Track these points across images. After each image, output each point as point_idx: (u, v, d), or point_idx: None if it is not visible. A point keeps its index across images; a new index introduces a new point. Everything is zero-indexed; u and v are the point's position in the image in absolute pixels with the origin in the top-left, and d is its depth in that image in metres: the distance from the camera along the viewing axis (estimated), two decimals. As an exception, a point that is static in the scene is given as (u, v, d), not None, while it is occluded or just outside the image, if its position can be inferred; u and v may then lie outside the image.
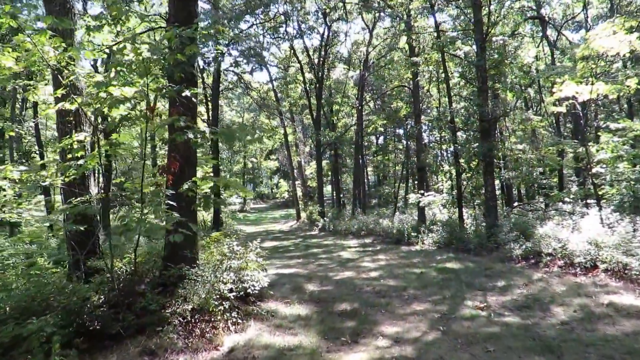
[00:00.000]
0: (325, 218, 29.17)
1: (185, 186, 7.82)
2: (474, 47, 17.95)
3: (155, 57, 6.74)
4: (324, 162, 42.07)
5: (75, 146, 7.65)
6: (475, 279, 11.03)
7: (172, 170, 8.08)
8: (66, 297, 7.17)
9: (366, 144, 39.48)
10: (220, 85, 29.95)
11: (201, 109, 29.89)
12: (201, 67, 27.75)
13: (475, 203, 21.49)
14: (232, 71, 31.40)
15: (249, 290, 8.61)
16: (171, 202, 7.50)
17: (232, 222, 31.25)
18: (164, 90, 6.96)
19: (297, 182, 40.43)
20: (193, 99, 8.15)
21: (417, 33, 22.47)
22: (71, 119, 8.61)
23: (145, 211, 7.31)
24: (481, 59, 16.32)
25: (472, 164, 19.68)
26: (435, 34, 20.53)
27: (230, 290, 8.11)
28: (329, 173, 41.28)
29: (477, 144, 17.59)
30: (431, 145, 30.84)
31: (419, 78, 23.28)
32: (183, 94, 7.17)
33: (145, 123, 6.94)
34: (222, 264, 8.90)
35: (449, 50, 19.84)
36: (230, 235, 16.68)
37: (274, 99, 36.22)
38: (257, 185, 67.13)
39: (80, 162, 7.53)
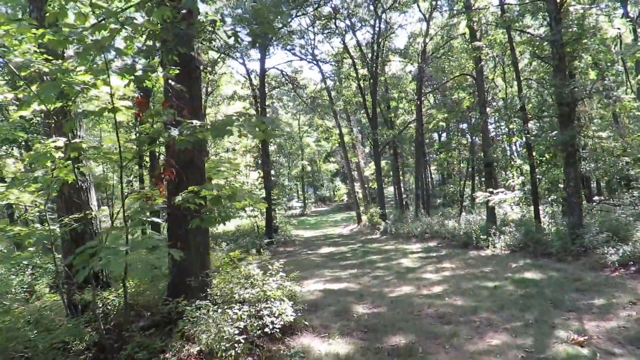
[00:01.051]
0: (387, 221, 27.28)
1: (179, 198, 6.14)
2: (547, 21, 15.65)
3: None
4: (383, 162, 40.12)
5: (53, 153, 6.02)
6: (564, 295, 8.89)
7: (167, 179, 6.42)
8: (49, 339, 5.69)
9: (427, 141, 37.20)
10: (267, 86, 28.48)
11: (252, 112, 28.65)
12: (246, 71, 26.56)
13: (551, 199, 19.06)
14: (276, 68, 29.92)
15: (266, 330, 6.65)
16: (157, 219, 5.91)
17: (288, 228, 29.71)
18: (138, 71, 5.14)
19: (356, 184, 38.62)
20: (190, 90, 6.50)
21: (478, 9, 20.18)
22: (51, 121, 7.06)
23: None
24: (556, 32, 14.05)
25: (547, 155, 17.34)
26: (499, 11, 18.25)
27: (242, 332, 6.27)
28: (390, 173, 39.25)
29: (554, 132, 15.29)
30: (499, 138, 28.26)
31: (482, 62, 20.98)
32: (174, 83, 5.52)
33: (114, 115, 5.21)
34: (232, 295, 7.17)
35: (516, 28, 17.56)
36: (261, 253, 15.31)
37: (328, 99, 34.52)
38: (317, 188, 65.66)
39: (39, 172, 5.90)
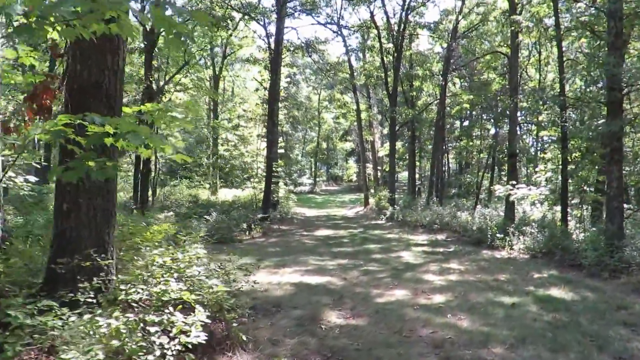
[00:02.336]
0: (395, 206, 25.04)
1: (37, 131, 3.91)
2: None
3: None
4: (399, 144, 37.69)
5: None
6: (608, 330, 6.58)
7: (41, 104, 4.20)
8: None
9: (448, 126, 34.65)
10: (284, 51, 26.12)
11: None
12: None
13: (580, 201, 16.66)
14: (293, 28, 27.48)
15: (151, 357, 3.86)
16: None
17: (289, 204, 27.58)
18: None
19: (368, 165, 36.36)
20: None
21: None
22: None
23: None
24: (616, 1, 11.60)
25: (583, 148, 14.95)
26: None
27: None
28: (405, 157, 36.88)
29: (600, 121, 12.89)
30: (527, 127, 25.57)
31: (520, 38, 18.46)
32: None
33: None
34: (129, 292, 4.82)
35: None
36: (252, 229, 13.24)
37: (348, 72, 32.09)
38: (331, 167, 63.34)
39: None
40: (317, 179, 54.77)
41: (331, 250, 14.39)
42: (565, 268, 11.45)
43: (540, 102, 16.64)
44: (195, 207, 21.48)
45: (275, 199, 23.85)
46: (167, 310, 4.28)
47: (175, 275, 5.09)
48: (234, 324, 5.28)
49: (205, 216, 17.95)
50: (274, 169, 22.34)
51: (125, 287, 4.63)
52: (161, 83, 20.55)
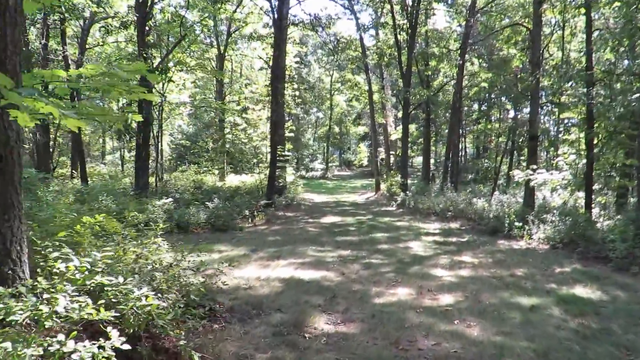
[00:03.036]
0: (407, 192, 23.88)
1: None
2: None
3: None
4: (413, 127, 36.47)
5: None
6: (646, 338, 5.54)
7: None
8: None
9: (466, 108, 33.27)
10: (290, 26, 24.86)
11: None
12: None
13: (605, 187, 15.44)
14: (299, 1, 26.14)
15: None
16: None
17: (297, 190, 26.57)
18: None
19: (379, 149, 35.16)
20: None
21: None
22: None
23: None
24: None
25: (611, 128, 13.70)
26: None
27: None
28: (420, 141, 35.65)
29: (635, 95, 11.63)
30: (549, 108, 24.07)
31: (544, 6, 17.12)
32: None
33: None
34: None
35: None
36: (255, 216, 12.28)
37: (360, 51, 30.77)
38: (344, 151, 62.18)
39: None
40: (330, 164, 53.61)
41: (335, 239, 13.35)
42: (589, 261, 10.34)
43: (564, 79, 15.34)
44: (199, 193, 20.52)
45: (282, 184, 22.82)
46: (55, 338, 3.13)
47: (73, 287, 3.92)
48: (182, 342, 4.19)
49: (207, 202, 17.01)
50: (278, 152, 21.30)
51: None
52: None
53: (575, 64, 16.98)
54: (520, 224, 13.71)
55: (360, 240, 13.27)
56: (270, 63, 25.01)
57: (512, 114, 30.02)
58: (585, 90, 13.98)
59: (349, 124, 59.02)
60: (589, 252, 10.89)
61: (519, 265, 9.91)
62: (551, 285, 8.20)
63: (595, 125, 13.73)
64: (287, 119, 35.12)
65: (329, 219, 18.46)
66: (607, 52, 14.59)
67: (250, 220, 16.97)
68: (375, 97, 33.09)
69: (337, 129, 57.76)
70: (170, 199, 16.06)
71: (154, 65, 18.19)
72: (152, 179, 21.49)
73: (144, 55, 16.87)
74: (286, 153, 24.25)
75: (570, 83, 15.63)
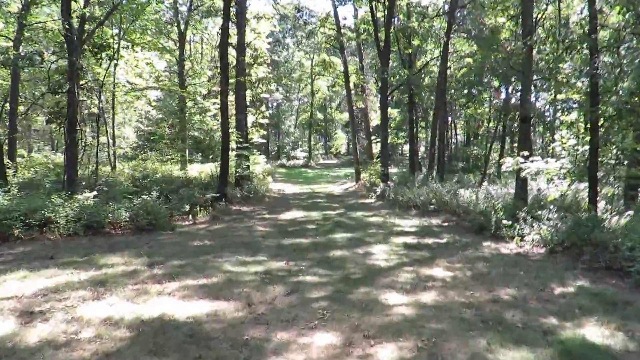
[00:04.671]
0: (389, 182, 21.29)
1: None
2: None
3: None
4: (395, 112, 33.75)
5: None
6: None
7: None
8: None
9: (453, 91, 30.60)
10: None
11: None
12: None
13: (614, 178, 12.86)
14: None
15: None
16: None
17: (266, 181, 23.97)
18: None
19: (361, 136, 32.45)
20: None
21: None
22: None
23: None
24: None
25: (620, 106, 11.07)
26: None
27: None
28: (405, 127, 33.01)
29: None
30: (543, 85, 21.20)
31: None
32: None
33: None
34: None
35: None
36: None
37: (335, 28, 28.00)
38: (329, 139, 59.31)
39: None
40: (314, 152, 50.87)
41: (280, 242, 10.78)
42: (598, 274, 7.85)
43: (562, 46, 12.68)
44: (143, 184, 17.79)
45: (242, 174, 20.22)
46: None
47: None
48: None
49: (143, 196, 14.38)
50: (235, 139, 18.72)
51: None
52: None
53: (575, 28, 14.29)
54: (510, 222, 11.14)
55: (313, 243, 10.71)
56: (235, 41, 22.18)
57: (503, 96, 27.29)
58: (588, 58, 11.38)
59: (333, 110, 56.20)
60: (597, 260, 8.36)
61: (506, 281, 7.34)
62: (550, 319, 5.63)
63: (601, 103, 11.13)
64: (260, 104, 32.45)
65: (290, 215, 15.93)
66: (616, 12, 11.91)
67: (190, 217, 14.41)
68: (353, 79, 30.39)
69: (320, 116, 54.88)
70: (94, 193, 13.46)
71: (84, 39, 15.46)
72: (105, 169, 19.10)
73: (67, 26, 14.09)
74: (255, 139, 21.72)
75: (569, 53, 12.94)
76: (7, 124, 20.74)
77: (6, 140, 19.84)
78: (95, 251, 9.33)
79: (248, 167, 20.75)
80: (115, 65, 21.24)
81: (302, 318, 5.67)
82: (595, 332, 5.26)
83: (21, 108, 22.20)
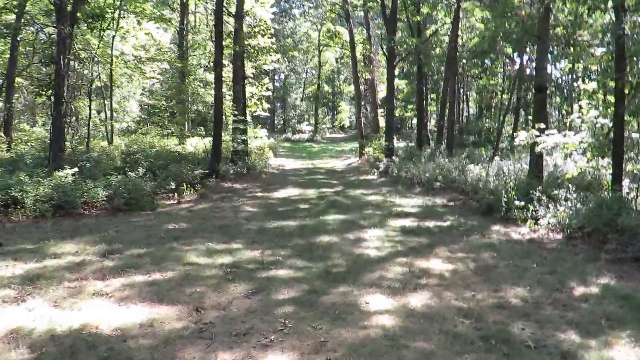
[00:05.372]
0: (393, 157, 20.01)
1: None
2: None
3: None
4: (403, 83, 32.22)
5: None
6: None
7: None
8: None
9: (464, 61, 29.05)
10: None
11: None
12: None
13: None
14: None
15: None
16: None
17: (265, 156, 22.80)
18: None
19: (367, 109, 31.07)
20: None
21: None
22: None
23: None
24: None
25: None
26: None
27: None
28: (413, 99, 31.54)
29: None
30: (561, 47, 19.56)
31: None
32: None
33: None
34: None
35: None
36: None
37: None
38: (337, 112, 57.79)
39: None
40: (321, 126, 49.45)
41: (265, 226, 9.66)
42: (626, 266, 6.67)
43: (584, 6, 11.27)
44: (131, 160, 16.66)
45: (238, 149, 19.07)
46: None
47: None
48: None
49: (130, 172, 13.33)
50: (230, 112, 17.50)
51: None
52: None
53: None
54: (522, 202, 9.90)
55: (300, 227, 9.58)
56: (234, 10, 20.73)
57: (518, 66, 25.70)
58: (613, 18, 10.04)
59: (341, 83, 54.58)
60: (624, 249, 7.14)
61: (516, 277, 6.17)
62: (569, 334, 4.43)
63: (627, 68, 9.79)
64: (264, 76, 31.07)
65: (284, 193, 14.83)
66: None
67: (175, 195, 13.33)
68: (359, 49, 28.95)
69: (328, 88, 53.29)
70: (74, 170, 12.38)
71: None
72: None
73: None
74: (259, 113, 20.49)
75: (591, 13, 11.53)
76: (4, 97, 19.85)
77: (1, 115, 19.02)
78: (52, 236, 8.25)
79: (244, 141, 19.51)
80: (114, 36, 20.11)
81: (257, 330, 4.50)
82: (627, 354, 4.08)
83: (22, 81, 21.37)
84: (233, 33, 19.38)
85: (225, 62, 23.68)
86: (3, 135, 19.51)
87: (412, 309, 5.07)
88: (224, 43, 20.03)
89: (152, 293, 5.46)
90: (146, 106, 32.83)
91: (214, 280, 6.01)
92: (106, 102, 21.84)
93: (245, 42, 20.05)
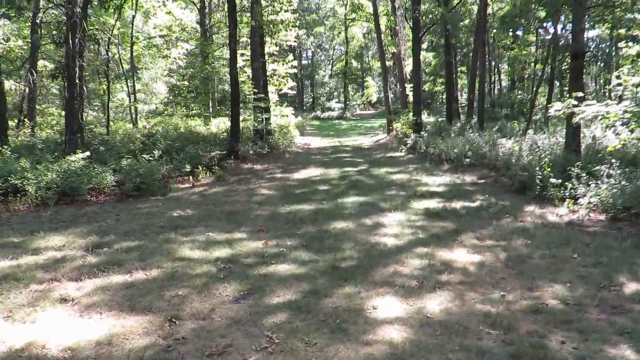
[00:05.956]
0: (422, 132, 19.04)
1: None
2: None
3: None
4: (430, 56, 30.98)
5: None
6: None
7: None
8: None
9: (494, 30, 27.62)
10: None
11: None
12: None
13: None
14: None
15: None
16: None
17: (289, 135, 22.03)
18: None
19: (391, 83, 29.93)
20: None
21: None
22: None
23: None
24: None
25: None
26: None
27: None
28: (442, 72, 30.29)
29: None
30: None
31: None
32: None
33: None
34: None
35: None
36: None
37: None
38: (366, 88, 56.61)
39: None
40: (351, 103, 48.37)
41: (277, 210, 8.97)
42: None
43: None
44: (149, 142, 16.09)
45: (258, 128, 18.35)
46: None
47: None
48: None
49: (145, 155, 12.79)
50: (248, 90, 16.73)
51: None
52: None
53: None
54: (559, 180, 8.94)
55: (315, 211, 8.85)
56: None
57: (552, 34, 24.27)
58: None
59: (371, 59, 53.25)
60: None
61: (554, 271, 5.33)
62: (622, 350, 3.59)
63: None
64: (289, 52, 30.17)
65: (305, 173, 14.11)
66: None
67: (191, 178, 12.74)
68: (383, 21, 27.77)
69: (357, 65, 52.02)
70: (86, 154, 11.86)
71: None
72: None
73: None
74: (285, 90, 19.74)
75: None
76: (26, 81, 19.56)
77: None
78: (45, 228, 7.67)
79: (265, 120, 18.71)
80: (134, 16, 19.55)
81: (236, 348, 3.76)
82: None
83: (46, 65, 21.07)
84: (250, 6, 18.50)
85: (244, 39, 22.94)
86: (26, 120, 19.22)
87: (428, 316, 4.27)
88: (244, 19, 19.29)
89: (126, 298, 4.76)
90: (173, 87, 32.32)
91: (203, 279, 5.29)
92: (129, 84, 21.43)
93: (263, 17, 19.14)
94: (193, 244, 6.62)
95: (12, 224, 7.99)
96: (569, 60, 12.78)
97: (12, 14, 16.44)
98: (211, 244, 6.62)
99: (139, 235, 7.13)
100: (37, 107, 24.62)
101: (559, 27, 19.97)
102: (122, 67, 22.17)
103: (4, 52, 18.71)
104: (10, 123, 20.40)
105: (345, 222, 7.91)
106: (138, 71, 30.35)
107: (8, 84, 21.68)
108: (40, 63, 20.17)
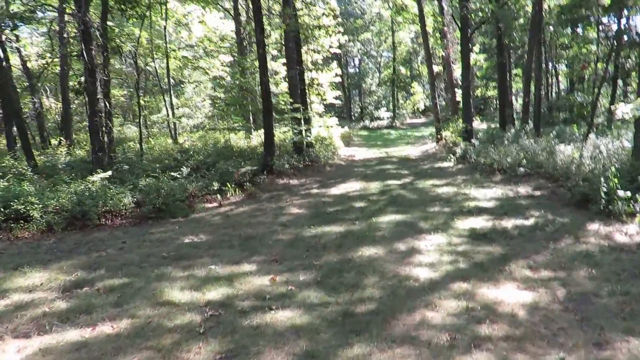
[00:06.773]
0: (473, 140, 17.76)
1: None
2: None
3: None
4: (482, 58, 29.49)
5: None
6: None
7: None
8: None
9: (551, 28, 25.97)
10: None
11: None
12: None
13: None
14: None
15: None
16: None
17: (332, 147, 21.06)
18: None
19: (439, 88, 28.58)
20: None
21: None
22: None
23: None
24: None
25: None
26: None
27: None
28: (494, 75, 28.82)
29: None
30: None
31: None
32: None
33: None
34: None
35: None
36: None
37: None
38: (412, 94, 55.19)
39: None
40: (400, 111, 47.05)
41: (301, 234, 7.99)
42: None
43: None
44: (182, 159, 15.43)
45: (295, 140, 17.46)
46: None
47: None
48: None
49: (173, 173, 12.14)
50: (282, 100, 15.85)
51: None
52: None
53: None
54: (627, 192, 7.63)
55: (344, 234, 7.84)
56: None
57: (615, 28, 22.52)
58: None
59: (420, 65, 51.81)
60: None
61: (629, 316, 4.14)
62: None
63: None
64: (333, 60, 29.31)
65: (344, 188, 13.08)
66: None
67: (219, 195, 11.92)
68: (430, 22, 26.51)
69: (404, 71, 50.66)
70: (107, 173, 11.28)
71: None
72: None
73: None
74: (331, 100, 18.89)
75: None
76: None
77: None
78: (37, 259, 6.91)
79: (303, 132, 17.73)
80: (165, 27, 19.16)
81: None
82: None
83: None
84: (281, 10, 17.64)
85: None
86: (63, 139, 19.02)
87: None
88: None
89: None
90: (214, 100, 31.93)
91: (177, 335, 4.28)
92: (166, 98, 21.02)
93: (300, 22, 18.26)
94: (187, 282, 5.68)
95: (2, 256, 7.24)
96: (637, 55, 11.37)
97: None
98: (209, 281, 5.66)
99: (133, 269, 6.26)
100: (79, 124, 24.64)
101: (622, 21, 18.32)
102: (159, 81, 21.74)
103: (40, 70, 18.60)
104: (53, 142, 20.35)
105: (375, 248, 6.86)
106: (182, 84, 30.20)
107: (47, 103, 21.61)
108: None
